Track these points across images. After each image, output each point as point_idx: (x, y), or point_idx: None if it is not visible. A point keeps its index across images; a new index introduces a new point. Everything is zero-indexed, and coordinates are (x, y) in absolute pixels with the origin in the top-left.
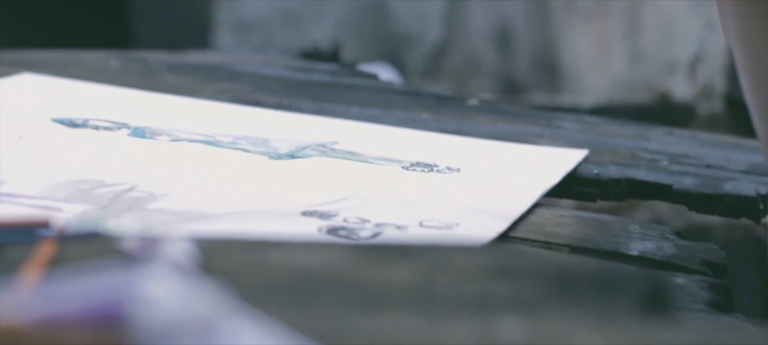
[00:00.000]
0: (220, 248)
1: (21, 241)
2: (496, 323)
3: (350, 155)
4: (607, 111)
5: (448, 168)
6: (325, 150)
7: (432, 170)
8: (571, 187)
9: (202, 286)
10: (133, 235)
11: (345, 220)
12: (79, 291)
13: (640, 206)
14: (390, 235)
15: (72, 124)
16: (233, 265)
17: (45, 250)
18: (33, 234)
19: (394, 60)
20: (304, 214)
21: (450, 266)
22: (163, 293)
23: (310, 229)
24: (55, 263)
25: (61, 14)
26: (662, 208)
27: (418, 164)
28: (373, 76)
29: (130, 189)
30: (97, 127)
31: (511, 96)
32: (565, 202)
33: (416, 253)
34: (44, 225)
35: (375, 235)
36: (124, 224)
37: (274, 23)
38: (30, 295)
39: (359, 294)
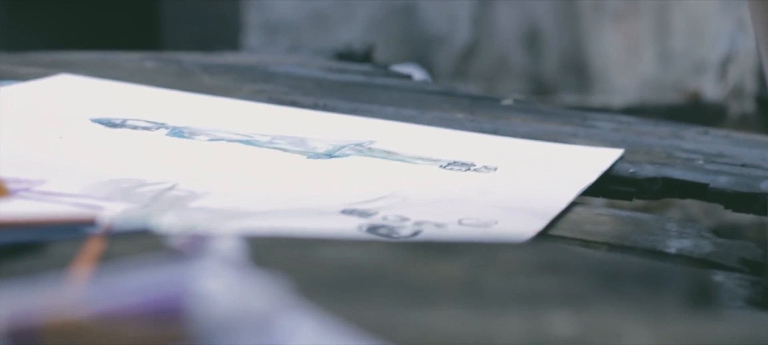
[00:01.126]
0: (267, 245)
1: (68, 237)
2: (545, 318)
3: (387, 154)
4: (638, 111)
5: (485, 167)
6: (363, 149)
7: (469, 169)
8: (606, 186)
9: (258, 281)
10: (181, 231)
11: (384, 219)
12: (137, 285)
13: (671, 205)
14: (430, 233)
15: (111, 124)
16: (280, 261)
17: (94, 247)
18: (79, 231)
19: (423, 61)
20: (343, 212)
21: (495, 262)
22: (220, 288)
23: (350, 227)
24: (105, 260)
25: (92, 16)
26: (693, 206)
27: (455, 163)
28: (407, 77)
29: (171, 188)
30: (135, 127)
31: (540, 97)
32: (595, 200)
33: (460, 250)
34: (91, 222)
35: (415, 234)
36: (168, 222)
37: (302, 25)
38: (87, 290)
39: (407, 290)
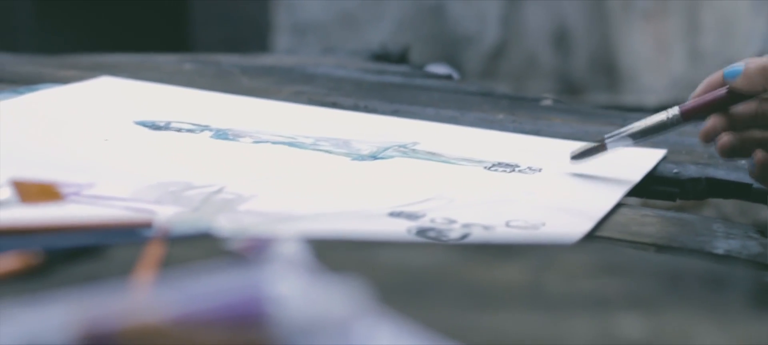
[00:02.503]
0: (326, 248)
1: (126, 241)
2: (614, 321)
3: (431, 156)
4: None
5: (530, 168)
6: (407, 151)
7: (514, 171)
8: (650, 187)
9: (335, 285)
10: (241, 235)
11: (432, 221)
12: (213, 289)
13: (705, 204)
14: (479, 236)
15: (155, 126)
16: (341, 264)
17: (154, 251)
18: (137, 234)
19: (452, 61)
20: (391, 214)
21: (556, 264)
22: (296, 292)
23: (399, 230)
24: (168, 264)
25: (121, 18)
26: (727, 205)
27: (499, 165)
28: (448, 77)
29: (219, 191)
30: (179, 130)
31: (569, 96)
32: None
33: (519, 252)
34: (148, 225)
35: (464, 236)
36: (225, 225)
37: (331, 25)
38: (164, 294)
39: (471, 292)
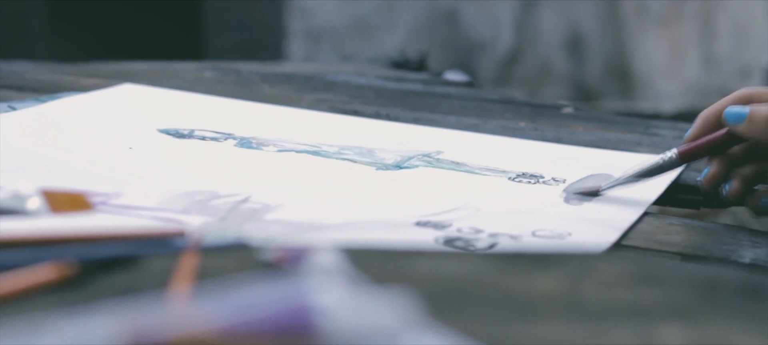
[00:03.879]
0: (361, 258)
1: (159, 251)
2: (654, 331)
3: (455, 166)
4: (689, 117)
5: (554, 179)
6: (431, 160)
7: (538, 182)
8: (674, 195)
9: (382, 296)
10: (275, 245)
11: (459, 231)
12: (259, 300)
13: (722, 212)
14: (506, 245)
15: (178, 134)
16: (377, 274)
17: (189, 262)
18: (170, 245)
19: (466, 67)
20: (418, 224)
21: (592, 274)
22: (344, 303)
23: (426, 239)
24: (206, 275)
25: (135, 24)
26: (743, 212)
27: (524, 175)
28: (468, 85)
29: (245, 200)
30: (203, 138)
31: (583, 103)
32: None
33: (554, 262)
34: (180, 235)
35: (491, 246)
36: (256, 235)
37: (345, 32)
38: (210, 305)
39: (508, 302)
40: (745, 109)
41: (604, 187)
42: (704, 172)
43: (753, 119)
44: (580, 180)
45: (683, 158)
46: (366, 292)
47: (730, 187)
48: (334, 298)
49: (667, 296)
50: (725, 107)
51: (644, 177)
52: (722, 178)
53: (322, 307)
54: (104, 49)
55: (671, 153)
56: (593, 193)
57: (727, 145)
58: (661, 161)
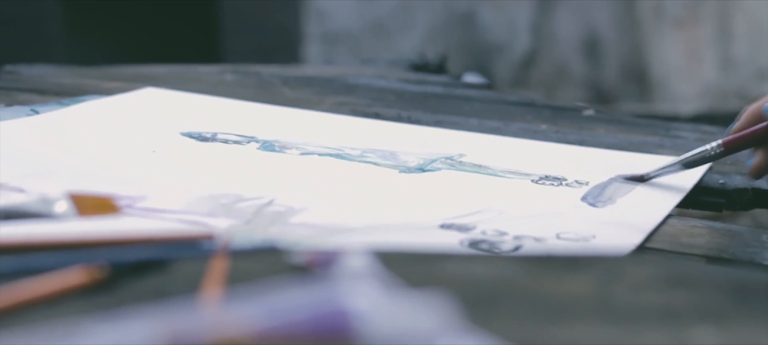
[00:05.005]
0: (390, 261)
1: (188, 255)
2: (687, 334)
3: (478, 168)
4: (708, 119)
5: (577, 182)
6: (454, 163)
7: (561, 184)
8: (697, 198)
9: (419, 299)
10: (305, 249)
11: (483, 233)
12: (296, 304)
13: (742, 214)
14: (531, 248)
15: (201, 137)
16: (408, 278)
17: (219, 265)
18: (199, 248)
19: (483, 69)
20: (442, 227)
21: (622, 277)
22: (381, 307)
23: (451, 242)
24: (233, 278)
25: (153, 27)
26: (763, 215)
27: (547, 178)
28: (487, 87)
29: (269, 203)
30: (226, 141)
31: (600, 105)
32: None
33: (583, 265)
34: (209, 238)
35: (516, 248)
36: (282, 238)
37: (362, 35)
38: (246, 309)
39: (539, 305)
40: None
41: (650, 174)
42: (748, 162)
43: None
44: (599, 185)
45: (727, 148)
46: (401, 296)
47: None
48: (369, 301)
49: (697, 299)
50: None
51: (689, 166)
52: (765, 168)
53: (359, 310)
54: (121, 51)
55: (716, 143)
56: (640, 179)
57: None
58: (706, 150)
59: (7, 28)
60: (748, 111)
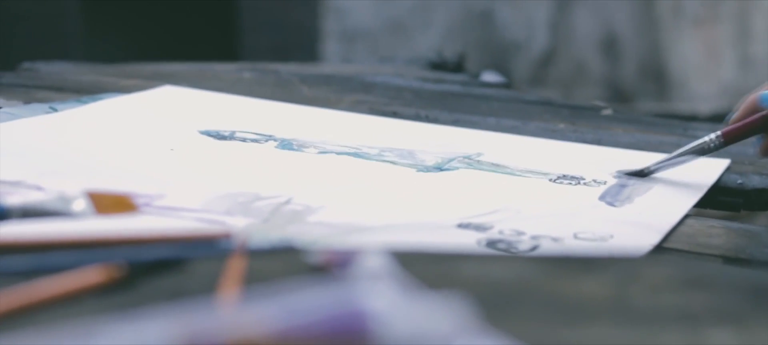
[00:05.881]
0: (407, 261)
1: (206, 254)
2: (705, 336)
3: (496, 168)
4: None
5: (595, 181)
6: (471, 162)
7: (579, 183)
8: (715, 197)
9: (436, 300)
10: (322, 248)
11: (501, 233)
12: (314, 304)
13: (759, 214)
14: (548, 248)
15: (219, 136)
16: (424, 278)
17: (237, 265)
18: (216, 247)
19: (501, 68)
20: (460, 226)
21: (640, 278)
22: (399, 307)
23: (468, 242)
24: (251, 277)
25: (171, 25)
26: None
27: (564, 177)
28: (506, 86)
29: (287, 202)
30: (244, 140)
31: (618, 104)
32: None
33: (601, 265)
34: (226, 237)
35: (533, 248)
36: (303, 237)
37: (380, 33)
38: (264, 309)
39: (557, 306)
40: None
41: (650, 167)
42: (756, 143)
43: None
44: (617, 184)
45: (727, 139)
46: (419, 297)
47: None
48: (387, 302)
49: (715, 300)
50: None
51: (689, 155)
52: None
53: (377, 311)
54: (139, 49)
55: (715, 135)
56: (640, 173)
57: (766, 126)
58: (705, 142)
59: (25, 26)
60: (747, 101)
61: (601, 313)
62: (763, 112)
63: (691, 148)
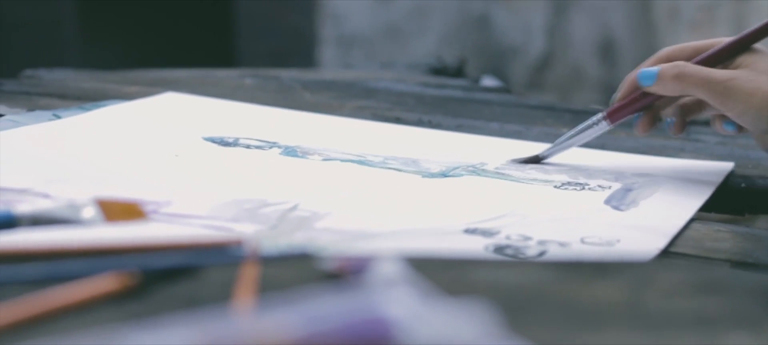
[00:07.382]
0: (419, 267)
1: (218, 261)
2: (720, 340)
3: (500, 175)
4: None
5: (600, 186)
6: (476, 169)
7: (584, 189)
8: (719, 200)
9: (458, 307)
10: (335, 255)
11: (508, 238)
12: (334, 311)
13: (761, 217)
14: (555, 253)
15: (223, 142)
16: (437, 284)
17: (250, 272)
18: (228, 254)
19: (498, 72)
20: (466, 231)
21: (653, 283)
22: (421, 315)
23: (476, 247)
24: (264, 285)
25: (168, 31)
26: None
27: (569, 183)
28: (505, 90)
29: (294, 208)
30: (248, 146)
31: None
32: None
33: (612, 270)
34: (237, 244)
35: (541, 253)
36: (307, 243)
37: (377, 38)
38: (283, 316)
39: (571, 311)
40: (655, 69)
41: (544, 153)
42: (635, 119)
43: (662, 78)
44: (623, 188)
45: (611, 118)
46: (440, 303)
47: (673, 123)
48: (408, 309)
49: (729, 305)
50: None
51: (577, 137)
52: (651, 123)
53: (398, 319)
54: (136, 55)
55: (599, 115)
56: (534, 160)
57: (648, 103)
58: (591, 122)
59: (22, 32)
60: (627, 81)
61: (617, 317)
62: (641, 91)
63: (578, 130)
